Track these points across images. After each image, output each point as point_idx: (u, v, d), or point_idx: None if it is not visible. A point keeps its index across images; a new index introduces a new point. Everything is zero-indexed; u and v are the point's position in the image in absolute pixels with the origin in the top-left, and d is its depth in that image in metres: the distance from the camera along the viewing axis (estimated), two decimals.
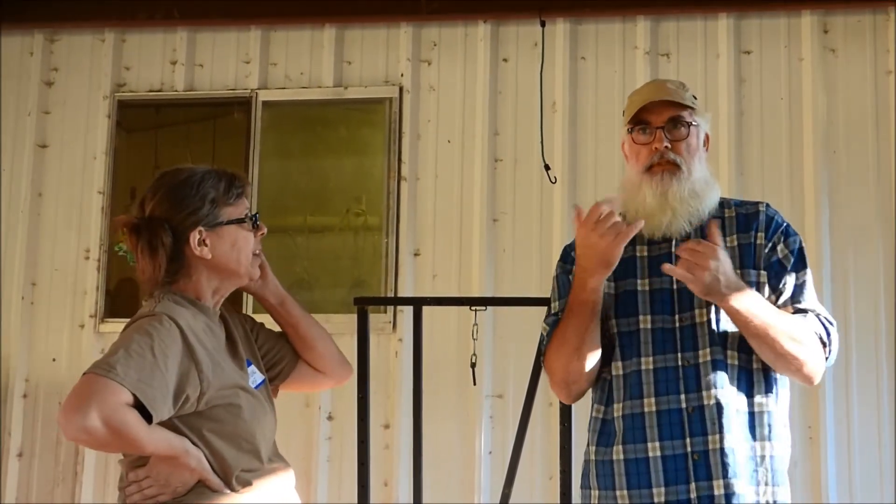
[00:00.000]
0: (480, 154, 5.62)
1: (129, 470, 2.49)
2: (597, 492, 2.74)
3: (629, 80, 5.57)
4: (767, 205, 2.81)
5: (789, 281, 2.68)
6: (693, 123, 2.77)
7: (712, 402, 2.61)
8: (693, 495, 2.58)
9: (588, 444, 2.80)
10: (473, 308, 3.76)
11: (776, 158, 5.40)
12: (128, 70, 6.02)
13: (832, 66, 5.45)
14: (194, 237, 2.52)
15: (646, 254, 2.78)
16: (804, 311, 2.65)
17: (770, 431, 2.65)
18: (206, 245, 2.53)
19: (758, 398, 2.66)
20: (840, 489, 5.09)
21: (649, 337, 2.70)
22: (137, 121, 6.03)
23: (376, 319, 5.34)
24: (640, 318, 2.71)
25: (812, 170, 5.35)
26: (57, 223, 5.92)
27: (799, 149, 5.39)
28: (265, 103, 5.85)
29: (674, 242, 2.72)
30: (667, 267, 2.53)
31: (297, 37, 5.90)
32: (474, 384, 4.00)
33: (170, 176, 2.58)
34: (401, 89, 5.74)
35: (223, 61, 5.95)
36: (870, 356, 5.17)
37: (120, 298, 5.75)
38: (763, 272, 2.68)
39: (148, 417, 2.32)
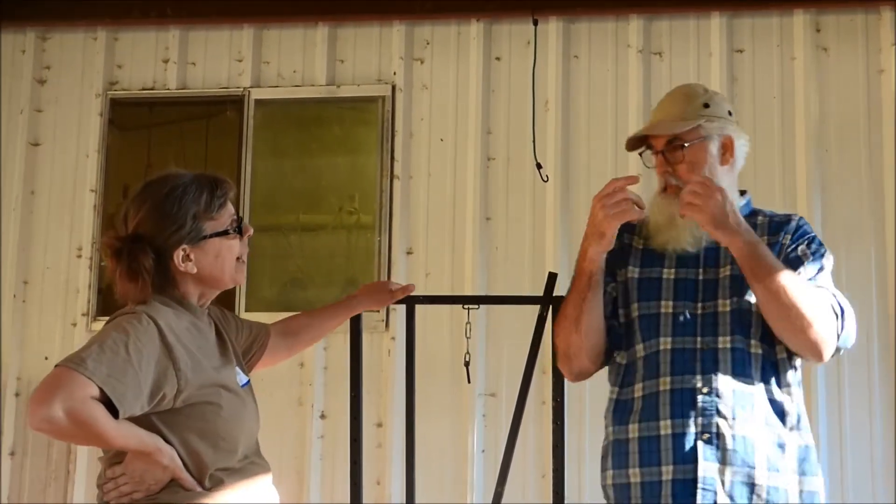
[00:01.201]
0: (473, 153, 5.62)
1: (107, 467, 2.51)
2: (611, 472, 2.77)
3: (622, 79, 5.58)
4: (801, 217, 2.86)
5: (806, 271, 2.70)
6: (696, 140, 2.77)
7: (727, 386, 2.63)
8: (700, 474, 2.59)
9: (605, 428, 2.84)
10: (466, 307, 3.75)
11: (768, 157, 5.41)
12: (120, 68, 6.01)
13: (824, 65, 5.46)
14: (178, 255, 2.55)
15: (671, 250, 2.81)
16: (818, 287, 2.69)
17: (797, 421, 2.68)
18: (190, 260, 2.56)
19: (782, 388, 2.69)
20: (832, 486, 5.10)
21: (670, 320, 2.73)
22: (130, 119, 6.02)
23: (369, 318, 5.33)
24: (663, 302, 2.75)
25: (804, 168, 5.36)
26: (49, 221, 5.91)
27: (791, 147, 5.40)
28: (258, 102, 5.84)
29: (702, 250, 2.77)
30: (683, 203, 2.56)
31: (290, 35, 5.89)
32: (468, 382, 4.00)
33: (153, 188, 2.59)
34: (393, 88, 5.74)
35: (216, 60, 5.94)
36: (861, 353, 5.18)
37: (112, 297, 5.70)
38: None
39: (116, 413, 2.32)
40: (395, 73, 5.77)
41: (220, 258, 2.61)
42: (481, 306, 4.20)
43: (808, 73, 5.44)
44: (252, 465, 2.62)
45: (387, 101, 5.74)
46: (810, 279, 2.70)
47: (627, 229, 2.86)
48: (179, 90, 5.92)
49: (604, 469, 2.82)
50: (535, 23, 5.58)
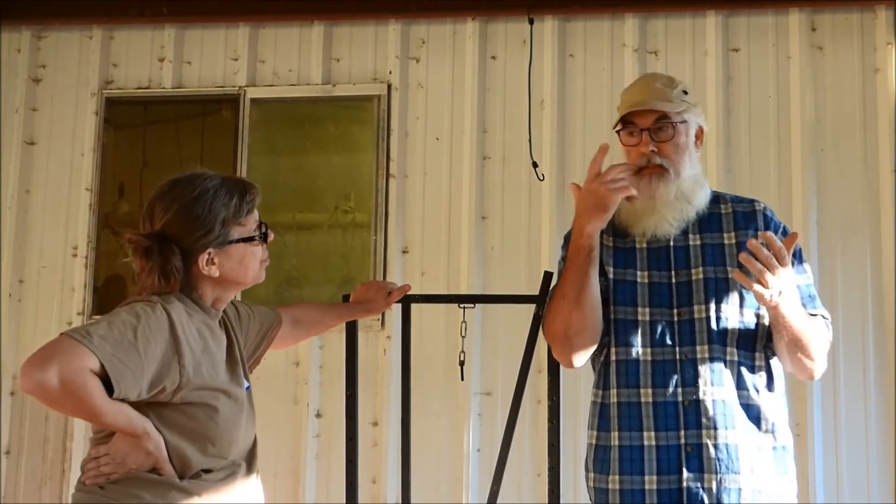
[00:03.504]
0: (469, 151, 5.63)
1: (93, 447, 2.50)
2: (593, 474, 2.80)
3: (617, 78, 5.58)
4: (764, 205, 2.86)
5: (797, 286, 2.69)
6: (681, 121, 2.78)
7: (708, 396, 2.65)
8: (684, 485, 2.62)
9: (588, 428, 2.85)
10: (462, 305, 3.75)
11: (764, 156, 5.41)
12: (116, 67, 6.00)
13: (820, 64, 5.47)
14: (203, 258, 2.55)
15: (644, 245, 2.81)
16: (812, 315, 2.72)
17: (773, 425, 2.70)
18: (213, 264, 2.56)
19: (761, 393, 2.71)
20: (828, 485, 5.10)
21: (647, 328, 2.74)
22: (125, 118, 6.02)
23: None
24: (639, 309, 2.76)
25: (800, 167, 5.36)
26: (45, 220, 5.91)
27: (787, 146, 5.40)
28: (253, 100, 5.84)
29: (672, 240, 2.78)
30: (743, 256, 2.51)
31: (286, 34, 5.89)
32: (462, 380, 4.00)
33: (182, 188, 2.58)
34: (389, 86, 5.74)
35: (211, 58, 5.94)
36: (857, 353, 5.19)
37: (108, 296, 5.74)
38: None
39: (111, 392, 2.31)
40: (390, 72, 5.77)
41: (244, 264, 2.61)
42: (477, 305, 4.18)
43: (803, 72, 5.44)
44: (238, 469, 2.61)
45: (382, 99, 5.73)
46: (802, 299, 2.71)
47: None
48: (175, 89, 5.92)
49: (587, 470, 2.85)
50: (531, 21, 5.58)
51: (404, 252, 5.61)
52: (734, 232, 2.79)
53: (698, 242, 2.78)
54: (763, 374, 2.73)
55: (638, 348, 2.73)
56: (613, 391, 2.76)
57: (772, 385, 2.75)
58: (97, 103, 5.95)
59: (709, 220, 2.82)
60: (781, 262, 2.46)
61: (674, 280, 2.75)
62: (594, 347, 2.83)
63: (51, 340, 2.30)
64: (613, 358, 2.77)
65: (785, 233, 2.78)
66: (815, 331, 2.67)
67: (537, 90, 5.58)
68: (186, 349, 2.45)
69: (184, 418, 2.47)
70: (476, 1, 5.69)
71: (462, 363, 3.73)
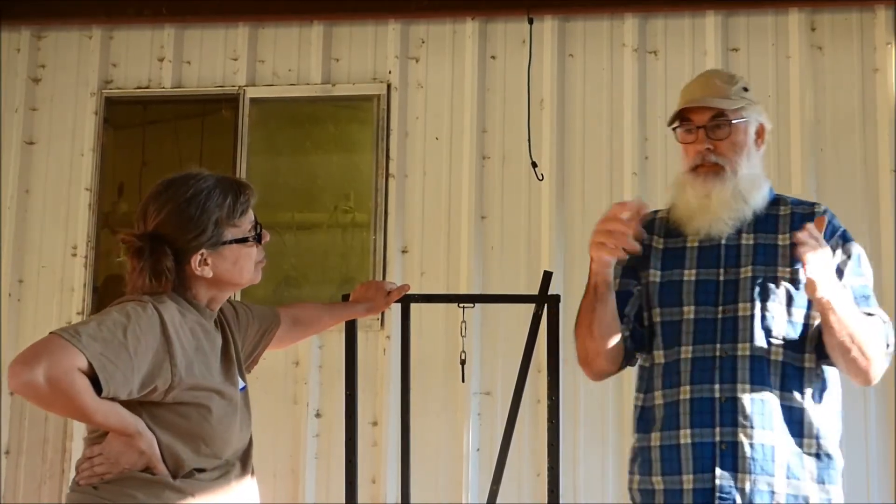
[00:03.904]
0: (468, 151, 5.62)
1: (87, 447, 2.49)
2: (637, 477, 2.78)
3: (617, 78, 5.58)
4: (826, 208, 2.82)
5: (850, 284, 2.68)
6: (739, 119, 2.75)
7: (746, 395, 2.61)
8: (717, 483, 2.59)
9: (633, 433, 2.84)
10: (461, 305, 3.75)
11: (763, 156, 5.40)
12: (115, 67, 6.00)
13: (819, 64, 5.46)
14: (196, 259, 2.54)
15: (696, 244, 2.79)
16: (869, 314, 2.66)
17: (818, 431, 2.64)
18: (207, 265, 2.55)
19: (806, 397, 2.65)
20: None
21: (691, 327, 2.71)
22: (125, 117, 6.02)
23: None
24: (684, 308, 2.73)
25: (799, 167, 5.36)
26: (44, 220, 5.91)
27: (786, 146, 5.40)
28: (253, 100, 5.84)
29: (724, 238, 2.74)
30: (805, 233, 2.52)
31: (285, 34, 5.89)
32: (463, 381, 4.00)
33: (176, 189, 2.57)
34: (389, 86, 5.74)
35: (211, 58, 5.94)
36: None
37: (107, 295, 5.73)
38: None
39: (99, 391, 2.30)
40: (390, 72, 5.77)
41: (239, 264, 2.60)
42: (476, 305, 4.19)
43: (803, 71, 5.44)
44: (232, 468, 2.60)
45: (382, 99, 5.73)
46: (856, 300, 2.67)
47: (646, 229, 2.85)
48: (174, 89, 5.92)
49: (630, 473, 2.84)
50: (531, 21, 5.58)
51: (404, 252, 5.61)
52: (789, 233, 2.73)
53: (751, 242, 2.74)
54: (812, 378, 2.68)
55: (680, 347, 2.71)
56: (658, 393, 2.74)
57: (822, 392, 2.69)
58: (97, 103, 5.95)
59: (765, 221, 2.79)
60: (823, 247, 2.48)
61: (721, 278, 2.71)
62: (614, 372, 2.88)
63: (39, 339, 2.30)
64: (660, 361, 2.76)
65: (844, 237, 2.75)
66: (868, 329, 2.60)
67: (537, 90, 5.58)
68: (178, 349, 2.44)
69: (177, 418, 2.46)
70: (475, 1, 5.69)
71: (463, 363, 3.74)
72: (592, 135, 5.56)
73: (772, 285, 2.66)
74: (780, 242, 2.73)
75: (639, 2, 5.58)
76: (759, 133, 2.82)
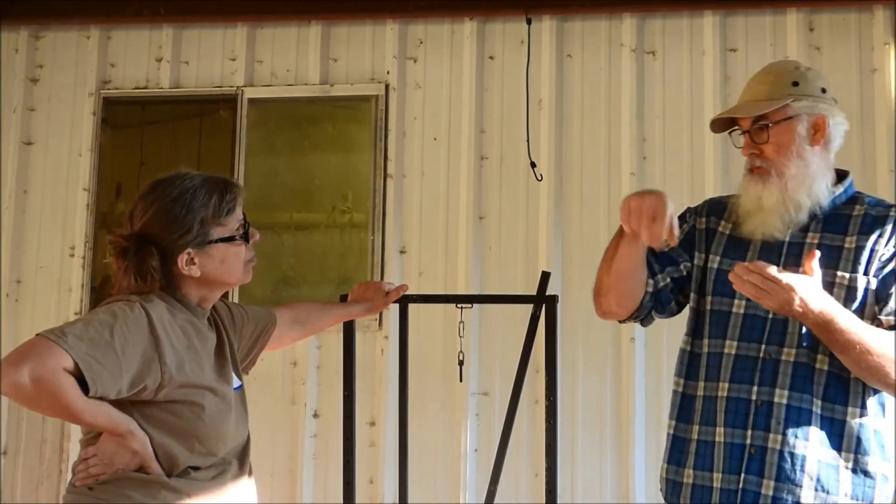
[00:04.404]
0: (467, 151, 5.62)
1: (83, 448, 2.50)
2: (668, 466, 2.76)
3: (615, 78, 5.58)
4: None
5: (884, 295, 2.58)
6: (782, 120, 2.69)
7: (783, 401, 2.56)
8: (740, 486, 2.57)
9: (668, 419, 2.80)
10: (459, 305, 3.75)
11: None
12: (113, 67, 6.00)
13: (817, 64, 5.45)
14: (182, 258, 2.54)
15: (760, 238, 2.73)
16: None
17: (858, 445, 2.57)
18: (194, 264, 2.55)
19: (850, 409, 2.58)
20: None
21: (739, 321, 2.67)
22: (123, 118, 6.01)
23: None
24: (736, 301, 2.69)
25: None
26: (42, 220, 5.91)
27: None
28: (251, 100, 5.84)
29: (787, 237, 2.68)
30: (732, 277, 2.46)
31: (283, 34, 5.89)
32: (461, 381, 4.00)
33: (162, 189, 2.57)
34: (387, 87, 5.74)
35: (209, 58, 5.94)
36: None
37: (105, 295, 5.70)
38: (873, 279, 2.59)
39: (86, 390, 2.31)
40: (388, 72, 5.77)
41: (227, 263, 2.60)
42: (475, 305, 4.20)
43: None
44: (228, 467, 2.60)
45: (380, 99, 5.73)
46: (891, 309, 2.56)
47: (715, 213, 2.84)
48: (173, 89, 5.92)
49: (664, 460, 2.79)
50: (529, 21, 5.58)
51: (402, 252, 5.61)
52: (857, 235, 2.65)
53: (816, 241, 2.66)
54: (861, 390, 2.59)
55: (725, 340, 2.67)
56: (700, 384, 2.70)
57: (868, 404, 2.59)
58: (95, 103, 5.95)
59: (835, 220, 2.70)
60: (779, 289, 2.40)
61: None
62: (625, 314, 2.83)
63: (26, 341, 2.30)
64: (704, 350, 2.72)
65: None
66: (887, 348, 2.47)
67: (535, 90, 5.58)
68: (167, 347, 2.44)
69: (169, 416, 2.46)
70: (474, 1, 5.69)
71: (461, 363, 3.74)
72: (591, 135, 5.56)
73: (828, 289, 2.54)
74: (845, 245, 2.64)
75: (637, 2, 5.58)
76: (818, 126, 2.71)
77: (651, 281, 2.80)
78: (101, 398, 2.34)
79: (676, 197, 2.57)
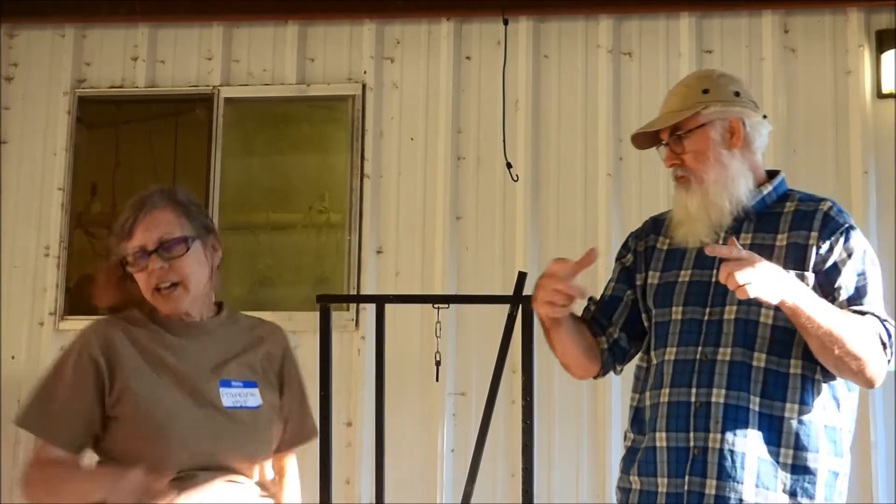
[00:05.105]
0: (443, 152, 5.63)
1: None
2: (620, 475, 2.78)
3: (592, 79, 5.59)
4: (833, 204, 2.72)
5: (845, 283, 2.57)
6: (697, 126, 2.71)
7: (720, 400, 2.56)
8: (685, 489, 2.57)
9: (627, 431, 2.83)
10: (436, 306, 3.76)
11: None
12: (88, 66, 5.97)
13: (792, 66, 5.49)
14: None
15: (692, 246, 2.74)
16: (862, 312, 2.54)
17: (799, 441, 2.56)
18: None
19: (789, 405, 2.57)
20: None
21: (678, 327, 2.68)
22: (98, 117, 5.98)
23: (339, 317, 5.33)
24: (674, 308, 2.70)
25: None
26: (16, 220, 5.87)
27: None
28: (227, 100, 5.82)
29: (722, 235, 2.67)
30: (708, 250, 2.49)
31: (260, 33, 5.87)
32: (437, 381, 4.01)
33: None
34: (364, 87, 5.74)
35: (185, 58, 5.91)
36: None
37: (80, 295, 5.70)
38: (811, 274, 2.58)
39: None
40: (365, 72, 5.76)
41: (140, 282, 2.63)
42: (451, 306, 4.21)
43: (776, 73, 5.46)
44: (222, 478, 2.59)
45: (357, 99, 5.73)
46: (852, 306, 2.56)
47: (654, 230, 2.86)
48: (148, 88, 5.89)
49: (620, 470, 2.83)
50: (506, 22, 5.59)
51: (379, 252, 5.60)
52: (787, 233, 2.66)
53: (748, 242, 2.65)
54: (800, 385, 2.58)
55: (667, 348, 2.68)
56: (647, 394, 2.73)
57: (814, 397, 2.58)
58: (70, 102, 5.91)
59: (768, 220, 2.71)
60: (748, 262, 2.37)
61: (713, 279, 2.61)
62: (596, 372, 2.88)
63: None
64: (654, 361, 2.74)
65: (846, 234, 2.62)
66: (853, 326, 2.48)
67: (512, 91, 5.59)
68: (127, 361, 2.52)
69: (135, 425, 2.49)
70: (451, 1, 5.70)
71: (438, 363, 3.75)
72: (567, 136, 5.57)
73: None
74: (777, 243, 2.64)
75: (614, 3, 5.60)
76: (733, 130, 2.73)
77: (603, 338, 2.84)
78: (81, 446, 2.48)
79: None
